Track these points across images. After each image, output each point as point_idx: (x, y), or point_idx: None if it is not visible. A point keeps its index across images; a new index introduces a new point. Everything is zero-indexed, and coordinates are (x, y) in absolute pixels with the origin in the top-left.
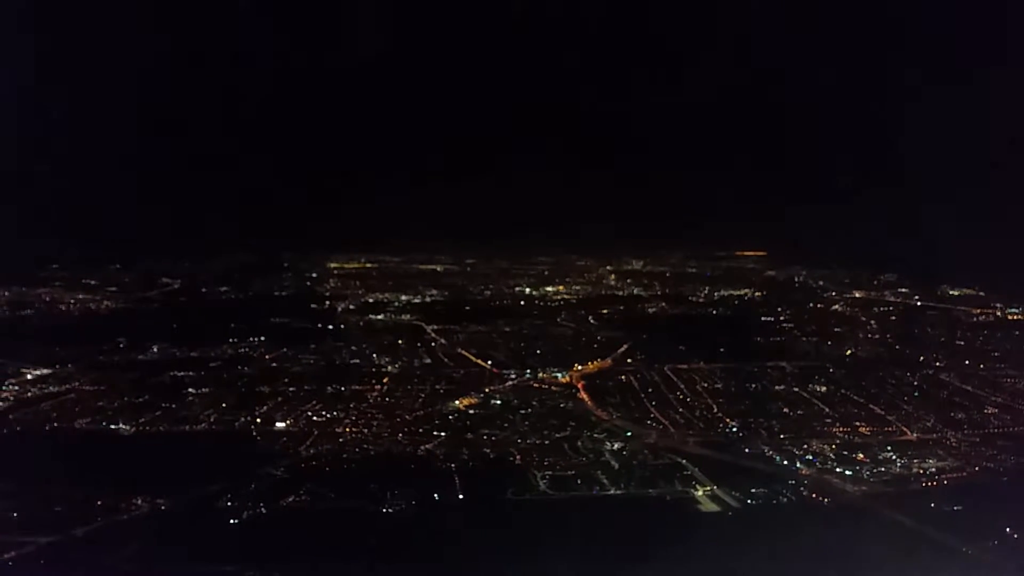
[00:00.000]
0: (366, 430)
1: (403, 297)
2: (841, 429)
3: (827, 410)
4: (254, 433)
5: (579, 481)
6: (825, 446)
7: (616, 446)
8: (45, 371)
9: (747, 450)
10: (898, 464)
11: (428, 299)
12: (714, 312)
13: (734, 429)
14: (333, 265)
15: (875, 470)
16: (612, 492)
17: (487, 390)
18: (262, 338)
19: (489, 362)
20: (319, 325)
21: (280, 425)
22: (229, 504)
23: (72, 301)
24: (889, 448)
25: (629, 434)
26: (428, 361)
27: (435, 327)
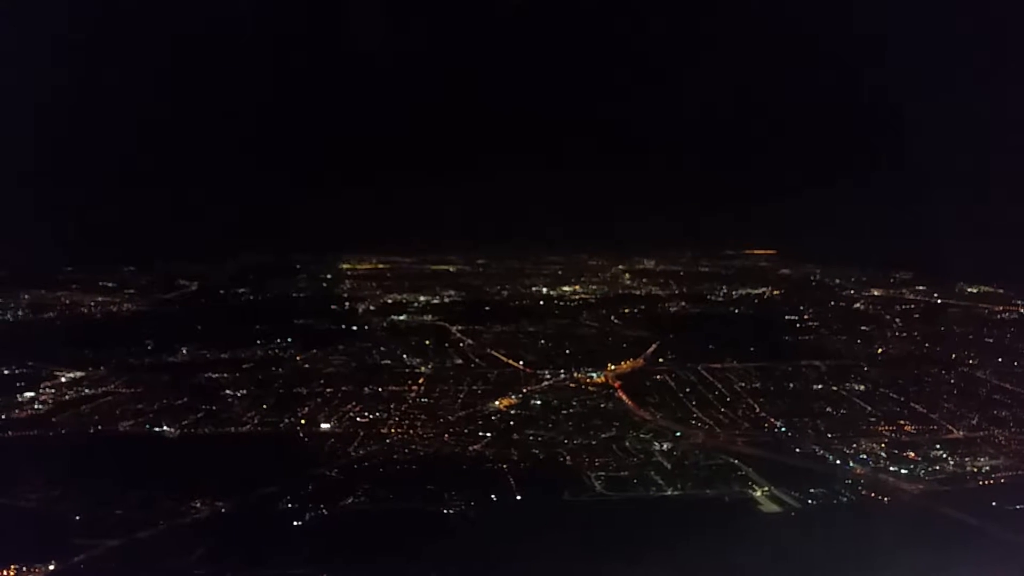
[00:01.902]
0: (411, 431)
1: (421, 298)
2: (887, 428)
3: (869, 409)
4: (300, 434)
5: (634, 482)
6: (874, 445)
7: (665, 446)
8: (78, 374)
9: (797, 450)
10: (951, 463)
11: (447, 300)
12: (736, 311)
13: (782, 429)
14: (345, 266)
15: (929, 469)
16: (669, 493)
17: (525, 390)
18: (289, 339)
19: (521, 362)
20: (343, 326)
21: (325, 426)
22: (289, 506)
23: (92, 304)
24: (938, 447)
25: (679, 434)
26: (459, 361)
27: (459, 327)
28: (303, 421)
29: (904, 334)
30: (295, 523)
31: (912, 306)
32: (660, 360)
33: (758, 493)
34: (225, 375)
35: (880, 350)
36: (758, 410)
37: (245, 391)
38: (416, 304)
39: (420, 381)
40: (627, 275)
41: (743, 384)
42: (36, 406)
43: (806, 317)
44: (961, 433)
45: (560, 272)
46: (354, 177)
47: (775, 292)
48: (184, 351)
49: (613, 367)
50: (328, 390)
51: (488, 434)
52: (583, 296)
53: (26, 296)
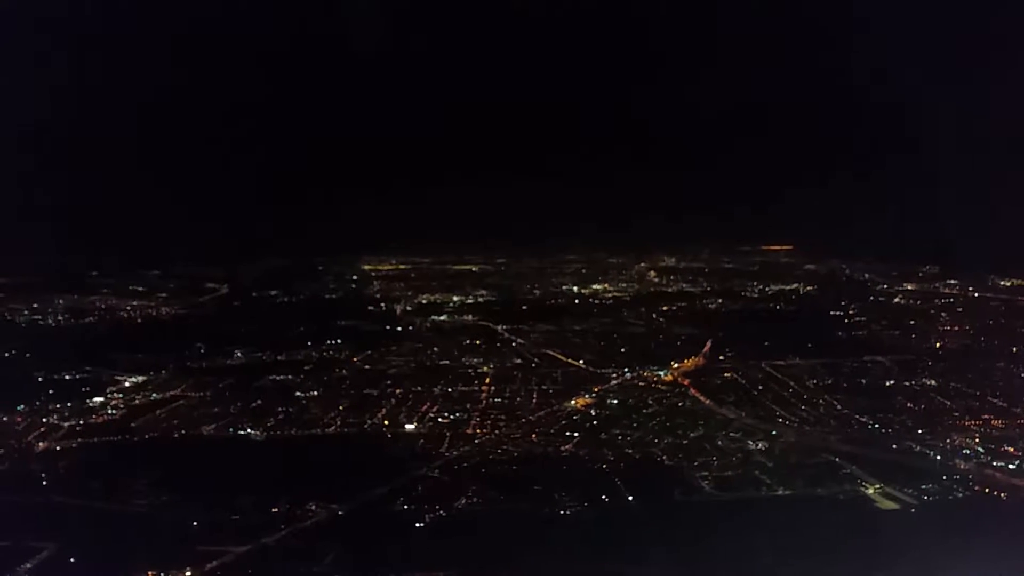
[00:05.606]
0: (496, 431)
1: (455, 298)
2: (973, 422)
3: (948, 403)
4: (388, 436)
5: (742, 481)
6: (968, 439)
7: (761, 445)
8: (140, 378)
9: (894, 446)
10: None
11: (480, 299)
12: (776, 307)
13: (875, 425)
14: (368, 268)
15: None
16: (780, 492)
17: (596, 390)
18: (338, 340)
19: (581, 361)
20: (387, 327)
21: (409, 427)
22: (404, 507)
23: (128, 308)
24: None
25: (775, 433)
26: (519, 361)
27: (505, 327)
28: (386, 422)
29: (955, 328)
30: (417, 524)
31: (952, 300)
32: (721, 358)
33: (871, 491)
34: (289, 377)
35: (938, 344)
36: (839, 407)
37: (315, 393)
38: (452, 304)
39: (487, 381)
40: (652, 273)
41: (815, 381)
42: (109, 411)
43: (851, 312)
44: None
45: (584, 271)
46: (359, 179)
47: (808, 288)
48: (238, 353)
49: (676, 365)
50: (398, 391)
51: (575, 434)
52: (616, 294)
53: (60, 301)
